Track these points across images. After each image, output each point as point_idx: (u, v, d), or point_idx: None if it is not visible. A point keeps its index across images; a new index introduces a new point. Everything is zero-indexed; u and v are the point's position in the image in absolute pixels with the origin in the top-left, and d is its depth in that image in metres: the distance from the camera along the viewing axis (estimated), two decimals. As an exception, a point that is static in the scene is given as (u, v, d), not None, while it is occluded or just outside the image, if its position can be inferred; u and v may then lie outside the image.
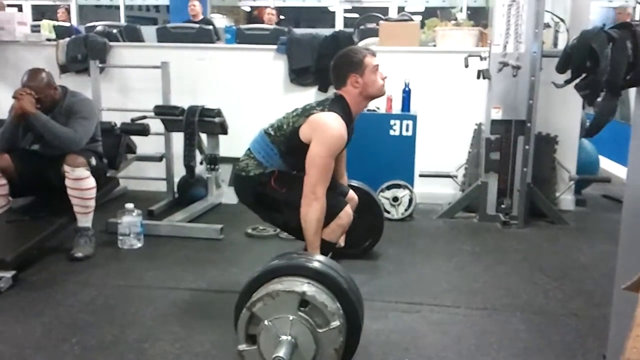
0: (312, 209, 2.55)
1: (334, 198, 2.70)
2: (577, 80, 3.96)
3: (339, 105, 2.71)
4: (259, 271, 2.16)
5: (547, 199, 4.35)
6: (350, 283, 2.19)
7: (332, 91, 3.80)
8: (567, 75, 4.01)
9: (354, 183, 3.37)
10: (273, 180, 2.70)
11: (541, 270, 3.37)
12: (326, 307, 1.98)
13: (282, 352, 1.92)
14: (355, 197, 3.05)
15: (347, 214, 2.71)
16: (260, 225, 3.96)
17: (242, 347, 2.05)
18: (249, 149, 2.81)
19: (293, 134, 2.66)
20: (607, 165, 5.83)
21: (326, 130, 2.58)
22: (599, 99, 3.62)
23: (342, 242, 3.10)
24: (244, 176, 2.76)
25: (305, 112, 2.69)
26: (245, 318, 2.02)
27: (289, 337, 1.97)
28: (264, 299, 2.00)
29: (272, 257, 2.27)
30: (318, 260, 2.22)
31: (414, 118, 4.31)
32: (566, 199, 4.68)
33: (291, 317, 1.98)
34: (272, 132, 2.74)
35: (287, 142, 2.68)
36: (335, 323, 1.98)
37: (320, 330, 1.98)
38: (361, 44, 5.17)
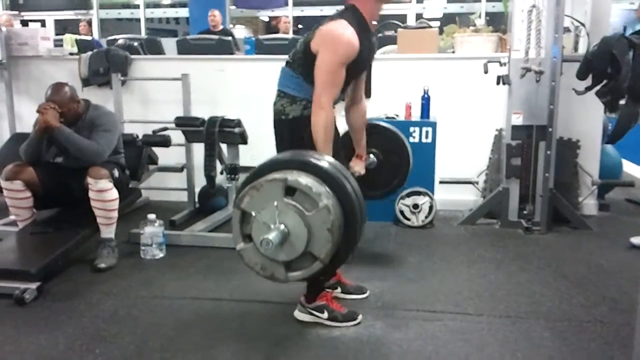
0: (317, 117, 2.50)
1: None
2: (598, 87, 3.96)
3: (350, 13, 2.62)
4: (247, 176, 2.16)
5: (569, 204, 4.30)
6: (338, 168, 2.17)
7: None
8: (588, 81, 4.00)
9: (382, 123, 3.40)
10: (307, 135, 2.60)
11: (564, 276, 3.34)
12: (311, 189, 1.96)
13: (270, 235, 1.91)
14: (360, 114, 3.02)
15: None
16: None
17: (240, 246, 2.05)
18: (278, 90, 2.75)
19: (306, 50, 2.59)
20: (630, 169, 5.75)
21: (332, 37, 2.51)
22: (621, 105, 3.59)
23: (362, 170, 3.04)
24: (284, 119, 2.67)
25: (315, 27, 2.63)
26: (237, 217, 2.02)
27: (278, 225, 1.95)
28: (249, 192, 2.00)
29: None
30: (303, 154, 2.21)
31: (433, 125, 4.29)
32: (589, 204, 4.63)
33: (276, 203, 1.96)
34: (290, 60, 2.69)
35: (304, 61, 2.62)
36: (323, 203, 1.95)
37: (309, 213, 1.95)
38: (380, 51, 5.18)
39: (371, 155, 3.30)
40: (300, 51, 2.65)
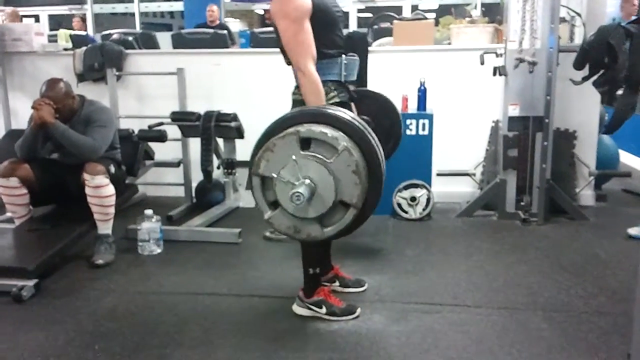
0: (303, 87, 2.44)
1: None
2: (595, 77, 3.95)
3: None
4: (257, 139, 2.09)
5: (566, 195, 4.30)
6: (347, 113, 2.14)
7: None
8: (585, 71, 3.98)
9: (371, 89, 3.41)
10: None
11: (562, 267, 3.34)
12: (326, 135, 1.90)
13: (299, 188, 1.86)
14: None
15: None
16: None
17: (267, 214, 1.99)
18: (294, 88, 2.65)
19: (279, 36, 2.51)
20: (627, 159, 5.76)
21: (278, 5, 2.45)
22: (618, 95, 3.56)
23: None
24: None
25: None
26: (258, 184, 1.95)
27: (303, 180, 1.89)
28: (264, 155, 1.94)
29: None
30: (311, 107, 2.17)
31: (430, 117, 4.29)
32: (586, 195, 4.63)
33: (294, 158, 1.90)
34: (285, 59, 2.60)
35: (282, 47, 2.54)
36: (342, 145, 1.89)
37: (330, 160, 1.89)
38: (375, 43, 5.17)
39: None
40: (278, 40, 2.55)
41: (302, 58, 2.43)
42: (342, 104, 2.55)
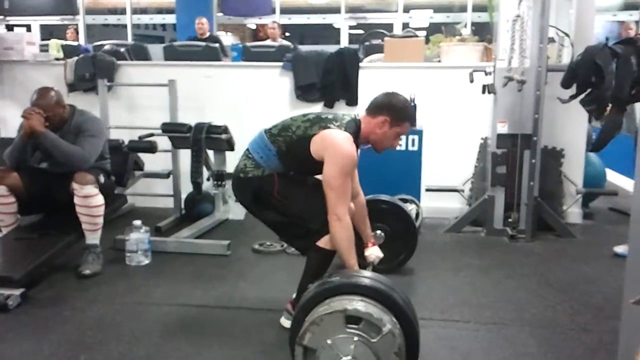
0: (336, 230, 2.52)
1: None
2: (583, 96, 4.00)
3: (355, 128, 2.66)
4: (301, 304, 2.16)
5: (554, 212, 4.34)
6: (393, 287, 2.17)
7: (337, 107, 3.73)
8: (572, 90, 4.03)
9: (384, 197, 3.48)
10: (276, 191, 2.63)
11: (549, 284, 3.36)
12: (372, 316, 1.96)
13: None
14: (359, 206, 2.98)
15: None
16: (267, 241, 3.97)
17: None
18: (247, 149, 2.75)
19: (302, 140, 2.59)
20: (614, 178, 5.81)
21: (340, 150, 2.53)
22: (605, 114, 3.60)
23: (380, 253, 2.99)
24: (242, 177, 2.69)
25: (321, 122, 2.62)
26: (300, 354, 2.02)
27: (347, 357, 1.96)
28: (310, 328, 2.00)
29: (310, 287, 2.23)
30: (356, 275, 2.22)
31: (419, 133, 4.31)
32: (573, 212, 4.67)
33: (341, 336, 1.96)
34: (275, 132, 2.67)
35: (291, 144, 2.61)
36: (387, 327, 1.95)
37: (374, 340, 1.95)
38: (367, 59, 5.21)
39: (378, 232, 3.35)
40: (296, 136, 2.61)
41: (342, 205, 2.53)
42: None
